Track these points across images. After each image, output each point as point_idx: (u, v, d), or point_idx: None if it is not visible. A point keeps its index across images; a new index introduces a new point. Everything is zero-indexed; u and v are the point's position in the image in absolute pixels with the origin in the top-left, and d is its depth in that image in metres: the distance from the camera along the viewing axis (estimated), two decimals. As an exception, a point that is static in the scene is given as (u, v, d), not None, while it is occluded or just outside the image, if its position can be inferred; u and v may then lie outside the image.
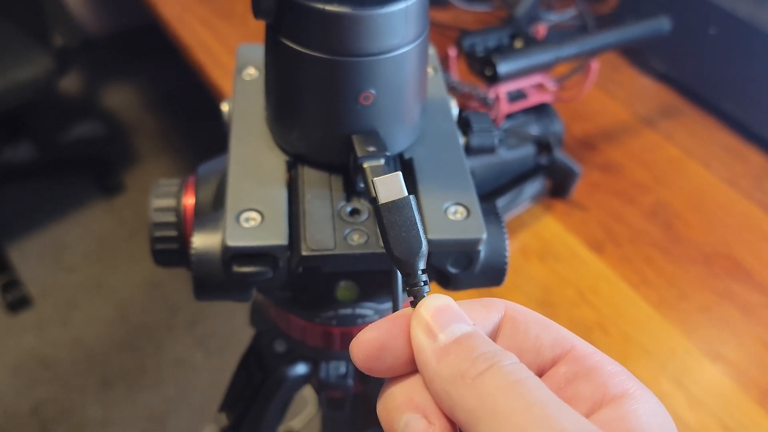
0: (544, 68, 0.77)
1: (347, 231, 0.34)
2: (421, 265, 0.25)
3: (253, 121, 0.40)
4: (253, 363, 0.52)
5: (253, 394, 0.50)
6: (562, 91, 0.84)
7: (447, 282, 0.38)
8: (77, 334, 1.57)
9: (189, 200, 0.42)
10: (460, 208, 0.36)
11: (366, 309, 0.43)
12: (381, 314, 0.44)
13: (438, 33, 1.04)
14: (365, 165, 0.34)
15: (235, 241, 0.33)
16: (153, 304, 1.65)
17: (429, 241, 0.34)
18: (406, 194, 0.27)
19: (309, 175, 0.37)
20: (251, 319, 0.55)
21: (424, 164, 0.37)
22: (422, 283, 0.25)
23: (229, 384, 0.53)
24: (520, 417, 0.19)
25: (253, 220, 0.35)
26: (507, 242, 0.37)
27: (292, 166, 0.38)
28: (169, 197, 0.42)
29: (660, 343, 0.69)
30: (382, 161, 0.34)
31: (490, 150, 0.40)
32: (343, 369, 0.50)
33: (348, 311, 0.42)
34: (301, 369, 0.50)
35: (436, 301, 0.24)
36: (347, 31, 0.32)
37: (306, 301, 0.42)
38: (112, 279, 1.68)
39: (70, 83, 2.11)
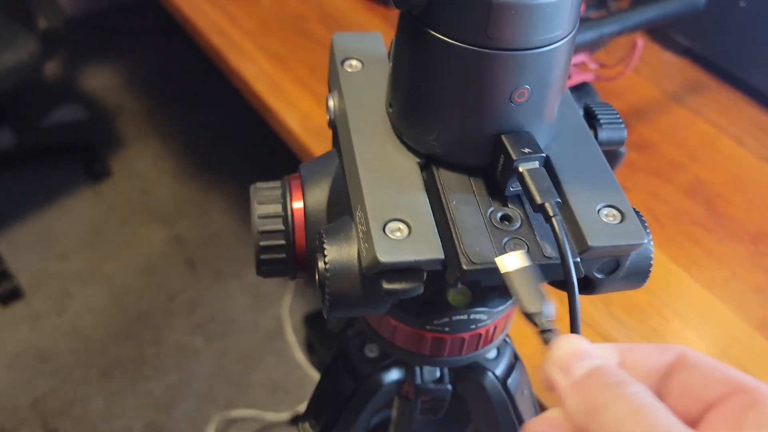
0: (588, 47, 0.75)
1: (505, 240, 0.32)
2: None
3: (371, 119, 0.37)
4: (341, 369, 0.49)
5: (343, 401, 0.48)
6: (602, 69, 0.82)
7: (589, 287, 0.36)
8: (73, 324, 1.53)
9: (296, 204, 0.39)
10: (613, 211, 0.34)
11: (480, 314, 0.41)
12: (493, 318, 0.42)
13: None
14: (522, 168, 0.31)
15: (389, 256, 0.31)
16: (149, 291, 1.61)
17: (590, 249, 0.32)
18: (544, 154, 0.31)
19: (448, 178, 0.34)
20: (328, 324, 0.52)
21: (564, 162, 0.35)
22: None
23: (314, 392, 0.51)
24: None
25: (400, 231, 0.32)
26: (651, 243, 0.35)
27: (423, 168, 0.35)
28: (275, 203, 0.39)
29: (718, 326, 0.68)
30: (537, 164, 0.32)
31: (619, 143, 0.38)
32: (437, 373, 0.48)
33: (462, 317, 0.41)
34: (395, 374, 0.48)
35: (567, 341, 0.26)
36: (514, 23, 0.29)
37: (417, 308, 0.40)
38: (106, 266, 1.63)
39: (49, 66, 2.02)
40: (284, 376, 1.48)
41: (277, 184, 0.40)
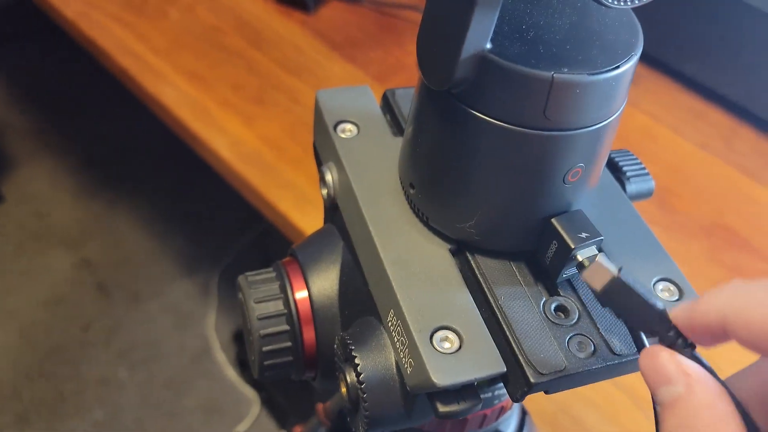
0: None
1: (567, 338, 0.28)
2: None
3: (386, 199, 0.32)
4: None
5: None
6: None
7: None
8: (-22, 369, 1.40)
9: (299, 294, 0.34)
10: (670, 285, 0.31)
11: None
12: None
13: None
14: (582, 258, 0.28)
15: (445, 377, 0.26)
16: (59, 323, 1.49)
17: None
18: (615, 272, 0.26)
19: (488, 267, 0.30)
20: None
21: (607, 232, 0.31)
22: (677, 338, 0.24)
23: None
24: None
25: (449, 342, 0.28)
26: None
27: (455, 254, 0.31)
28: (275, 298, 0.34)
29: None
30: (595, 249, 0.28)
31: (648, 196, 0.35)
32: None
33: (487, 395, 0.37)
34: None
35: (652, 354, 0.23)
36: (576, 102, 0.25)
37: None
38: (7, 302, 1.50)
39: None
40: (218, 397, 1.41)
41: (270, 273, 0.35)
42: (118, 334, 1.48)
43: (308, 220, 0.70)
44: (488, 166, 0.27)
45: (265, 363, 0.34)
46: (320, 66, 0.87)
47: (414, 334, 0.28)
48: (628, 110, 0.89)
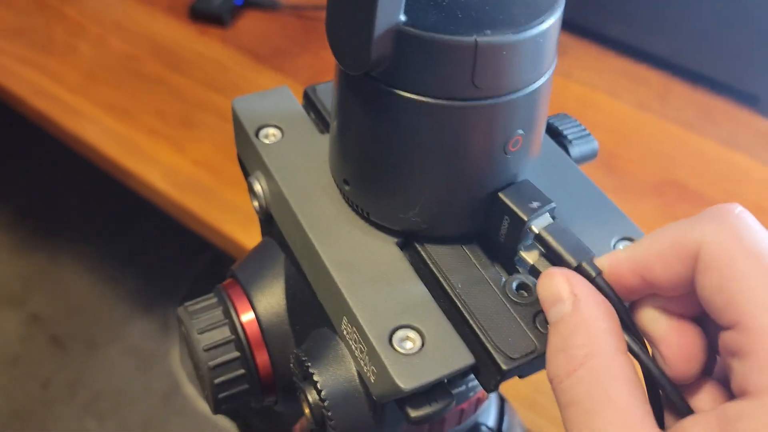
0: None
1: (533, 316, 0.26)
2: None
3: (320, 200, 0.30)
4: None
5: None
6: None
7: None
8: (-64, 447, 1.33)
9: (245, 317, 0.31)
10: (629, 244, 0.29)
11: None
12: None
13: None
14: (538, 229, 0.26)
15: (411, 380, 0.24)
16: (17, 384, 1.43)
17: None
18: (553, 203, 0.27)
19: (440, 255, 0.28)
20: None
21: (556, 199, 0.30)
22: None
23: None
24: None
25: (411, 341, 0.26)
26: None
27: (403, 247, 0.29)
28: (219, 325, 0.31)
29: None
30: (549, 218, 0.26)
31: (592, 157, 0.34)
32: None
33: (461, 388, 0.35)
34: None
35: (545, 280, 0.24)
36: (505, 64, 0.23)
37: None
38: (-42, 370, 1.43)
39: None
40: (195, 430, 1.37)
41: (211, 299, 0.32)
42: (80, 386, 1.43)
43: (256, 238, 0.67)
44: (423, 147, 0.25)
45: (220, 396, 0.31)
46: (246, 80, 0.84)
47: (372, 338, 0.25)
48: (562, 82, 0.88)
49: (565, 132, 0.34)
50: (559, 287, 0.23)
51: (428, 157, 0.26)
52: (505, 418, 0.45)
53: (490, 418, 0.44)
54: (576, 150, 0.33)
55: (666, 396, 0.23)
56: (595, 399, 0.21)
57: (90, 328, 1.50)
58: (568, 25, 0.96)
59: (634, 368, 0.22)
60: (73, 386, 1.42)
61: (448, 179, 0.26)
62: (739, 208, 0.22)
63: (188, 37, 0.90)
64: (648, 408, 0.21)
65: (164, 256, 1.61)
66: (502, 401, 0.46)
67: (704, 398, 0.23)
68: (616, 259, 0.24)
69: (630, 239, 0.29)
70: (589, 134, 0.34)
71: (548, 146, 0.33)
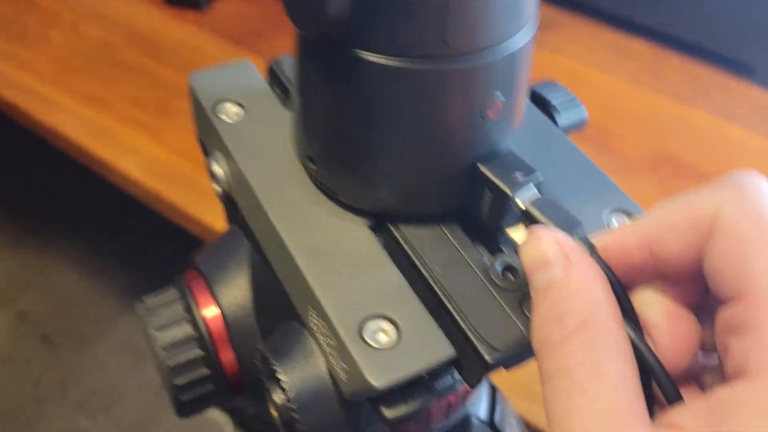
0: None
1: (520, 301, 0.24)
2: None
3: (285, 181, 0.27)
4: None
5: None
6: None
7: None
8: (-73, 450, 1.31)
9: (208, 312, 0.29)
10: (623, 216, 0.27)
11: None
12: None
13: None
14: (523, 203, 0.23)
15: (384, 377, 0.22)
16: (8, 384, 1.40)
17: None
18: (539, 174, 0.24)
19: (417, 237, 0.25)
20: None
21: (544, 170, 0.27)
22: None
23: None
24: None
25: (385, 333, 0.23)
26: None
27: (376, 230, 0.26)
28: (180, 322, 0.29)
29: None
30: (535, 190, 0.24)
31: (582, 125, 0.31)
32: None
33: (447, 381, 0.32)
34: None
35: (531, 242, 0.21)
36: (479, 18, 0.21)
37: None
38: (-53, 372, 1.41)
39: None
40: (189, 427, 1.35)
41: (172, 293, 0.30)
42: (72, 384, 1.40)
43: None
44: (391, 115, 0.23)
45: (183, 398, 0.29)
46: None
47: (340, 331, 0.23)
48: (552, 57, 0.86)
49: (552, 100, 0.31)
50: (548, 249, 0.21)
51: (397, 127, 0.23)
52: (497, 408, 0.43)
53: (481, 408, 0.42)
54: (564, 118, 0.31)
55: (657, 382, 0.21)
56: (587, 370, 0.19)
57: (80, 325, 1.47)
58: (558, 0, 0.93)
59: (630, 344, 0.20)
60: (64, 384, 1.40)
61: (421, 151, 0.24)
62: (756, 175, 0.20)
63: (164, 23, 0.87)
64: (639, 389, 0.19)
65: (154, 251, 1.58)
66: (493, 390, 0.43)
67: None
68: (623, 234, 0.22)
69: (623, 211, 0.27)
70: (577, 102, 0.32)
71: (534, 115, 0.31)
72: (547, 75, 0.91)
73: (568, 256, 0.20)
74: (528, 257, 0.21)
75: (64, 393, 1.39)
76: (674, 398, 0.20)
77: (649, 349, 0.21)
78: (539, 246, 0.21)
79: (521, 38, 0.23)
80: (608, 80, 0.83)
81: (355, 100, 0.23)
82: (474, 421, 0.41)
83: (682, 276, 0.21)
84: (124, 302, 1.51)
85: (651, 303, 0.22)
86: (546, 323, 0.20)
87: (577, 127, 0.31)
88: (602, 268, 0.21)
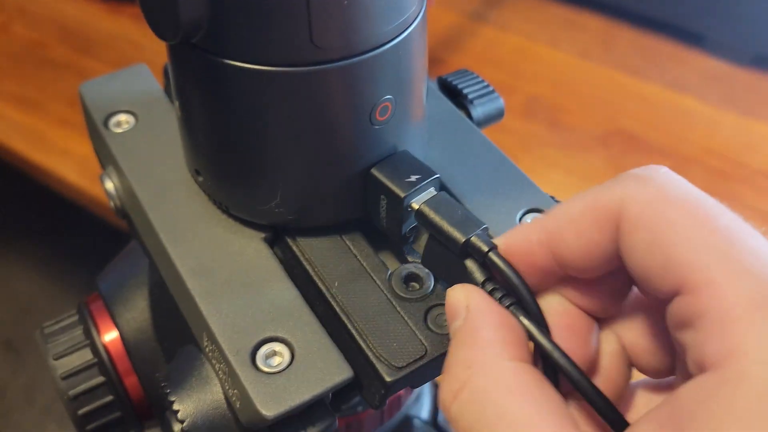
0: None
1: (424, 313, 0.22)
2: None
3: (176, 195, 0.25)
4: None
5: None
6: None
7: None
8: None
9: (108, 336, 0.27)
10: (540, 215, 0.25)
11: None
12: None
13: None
14: (418, 205, 0.22)
15: (276, 406, 0.20)
16: (-28, 395, 1.37)
17: None
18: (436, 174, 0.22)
19: (314, 249, 0.24)
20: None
21: (452, 170, 0.26)
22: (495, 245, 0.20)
23: None
24: None
25: (278, 356, 0.22)
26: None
27: (272, 243, 0.25)
28: (78, 347, 0.27)
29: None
30: (432, 190, 0.22)
31: (499, 116, 0.30)
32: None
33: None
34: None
35: (450, 294, 0.20)
36: (347, 14, 0.19)
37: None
38: None
39: None
40: (161, 428, 1.33)
41: (72, 317, 0.28)
42: (37, 391, 1.38)
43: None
44: (269, 124, 0.21)
45: (88, 428, 0.27)
46: (163, 57, 0.78)
47: (230, 357, 0.21)
48: (498, 35, 0.84)
49: (464, 91, 0.29)
50: (455, 301, 0.20)
51: (278, 136, 0.21)
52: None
53: (422, 409, 0.40)
54: (479, 111, 0.29)
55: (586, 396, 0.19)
56: (487, 421, 0.17)
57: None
58: (502, -26, 0.91)
59: (540, 375, 0.18)
60: (30, 391, 1.37)
61: (307, 160, 0.22)
62: (661, 167, 0.19)
63: (98, 17, 0.84)
64: (563, 410, 0.17)
65: (111, 248, 1.55)
66: (437, 388, 0.42)
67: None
68: (524, 233, 0.20)
69: (539, 211, 0.26)
70: (492, 91, 0.30)
71: (443, 108, 0.29)
72: (495, 52, 0.89)
73: (468, 305, 0.19)
74: (446, 309, 0.20)
75: (30, 400, 1.36)
76: (616, 422, 0.18)
77: (571, 364, 0.19)
78: (449, 297, 0.20)
79: (403, 32, 0.21)
80: (558, 56, 0.81)
81: (229, 109, 0.21)
82: (416, 422, 0.40)
83: (593, 276, 0.19)
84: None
85: (548, 307, 0.20)
86: (441, 379, 0.19)
87: (493, 119, 0.30)
88: (500, 267, 0.20)
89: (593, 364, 0.20)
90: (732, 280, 0.16)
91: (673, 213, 0.17)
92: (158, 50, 0.81)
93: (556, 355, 0.19)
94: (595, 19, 0.85)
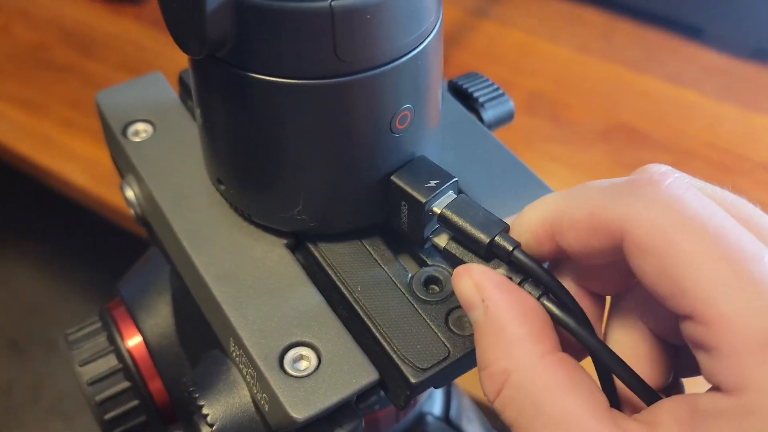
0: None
1: (445, 315, 0.23)
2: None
3: (197, 203, 0.26)
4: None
5: None
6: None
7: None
8: None
9: (132, 342, 0.28)
10: None
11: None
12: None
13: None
14: (439, 209, 0.22)
15: (306, 409, 0.21)
16: (-23, 394, 1.38)
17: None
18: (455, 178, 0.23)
19: (336, 254, 0.24)
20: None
21: (467, 173, 0.26)
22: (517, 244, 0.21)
23: None
24: None
25: (306, 360, 0.22)
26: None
27: (294, 249, 0.25)
28: (104, 354, 0.27)
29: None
30: (452, 194, 0.23)
31: (509, 119, 0.30)
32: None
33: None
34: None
35: (457, 282, 0.21)
36: (372, 31, 0.20)
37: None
38: None
39: None
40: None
41: (95, 323, 0.28)
42: (43, 389, 1.38)
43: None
44: (293, 134, 0.22)
45: (115, 432, 0.27)
46: (166, 58, 0.79)
47: (259, 362, 0.22)
48: (500, 30, 0.84)
49: (475, 94, 0.30)
50: (467, 292, 0.20)
51: (301, 146, 0.22)
52: (453, 404, 0.42)
53: (435, 405, 0.41)
54: (489, 113, 0.30)
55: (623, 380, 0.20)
56: (530, 418, 0.18)
57: (48, 329, 1.45)
58: (501, -30, 0.91)
59: (572, 363, 0.19)
60: (36, 389, 1.38)
61: (329, 168, 0.23)
62: (668, 180, 0.18)
63: (100, 18, 0.84)
64: (602, 400, 0.18)
65: (115, 247, 1.56)
66: (449, 385, 0.43)
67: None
68: (528, 223, 0.21)
69: None
70: (503, 94, 0.30)
71: (455, 112, 0.30)
72: (497, 48, 0.89)
73: (484, 299, 0.20)
74: (459, 299, 0.21)
75: (36, 398, 1.37)
76: (650, 398, 0.19)
77: (605, 347, 0.20)
78: (459, 288, 0.21)
79: (423, 42, 0.22)
80: (559, 51, 0.82)
81: (254, 121, 0.22)
82: (429, 419, 0.40)
83: (598, 264, 0.20)
84: (88, 302, 1.48)
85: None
86: (481, 376, 0.20)
87: (503, 121, 0.30)
88: (527, 266, 0.20)
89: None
90: (742, 317, 0.16)
91: (679, 239, 0.17)
92: (160, 51, 0.81)
93: (598, 349, 0.19)
94: (596, 14, 0.85)
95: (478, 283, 0.20)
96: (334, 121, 0.21)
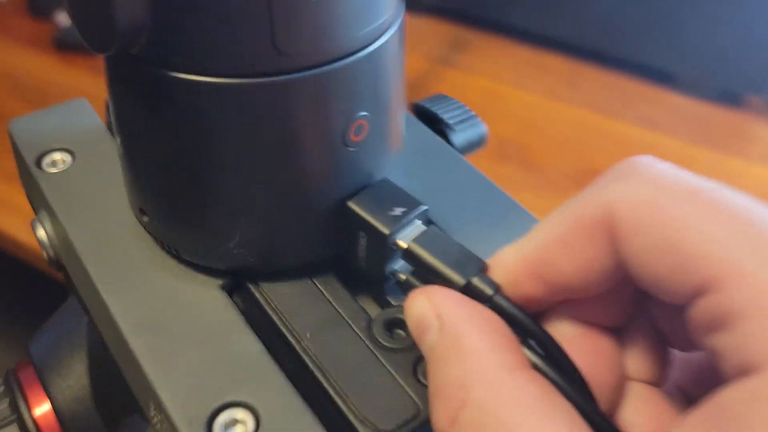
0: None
1: (413, 366, 0.19)
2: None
3: (119, 241, 0.22)
4: None
5: None
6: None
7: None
8: None
9: (39, 410, 0.23)
10: None
11: None
12: None
13: None
14: (406, 243, 0.19)
15: None
16: None
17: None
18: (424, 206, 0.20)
19: (282, 295, 0.21)
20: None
21: (437, 202, 0.23)
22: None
23: None
24: None
25: (241, 424, 0.18)
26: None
27: (231, 290, 0.21)
28: (6, 424, 0.23)
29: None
30: (421, 225, 0.19)
31: (481, 143, 0.27)
32: None
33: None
34: None
35: (411, 303, 0.18)
36: (315, 14, 0.16)
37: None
38: None
39: None
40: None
41: (-1, 388, 0.24)
42: None
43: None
44: (225, 148, 0.18)
45: None
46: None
47: (182, 429, 0.18)
48: (465, 77, 0.83)
49: (443, 116, 0.27)
50: (421, 311, 0.17)
51: (235, 161, 0.18)
52: None
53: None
54: (460, 137, 0.27)
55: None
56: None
57: None
58: (466, 17, 0.90)
59: (546, 384, 0.16)
60: None
61: (271, 191, 0.19)
62: (647, 159, 0.17)
63: (53, 70, 0.81)
64: (576, 421, 0.15)
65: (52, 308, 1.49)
66: None
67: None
68: (505, 267, 0.18)
69: None
70: (474, 116, 0.27)
71: (422, 135, 0.26)
72: (463, 96, 0.87)
73: (439, 314, 0.16)
74: (409, 326, 0.18)
75: None
76: None
77: (571, 387, 0.16)
78: (411, 308, 0.17)
79: (380, 37, 0.18)
80: (525, 96, 0.80)
81: (177, 131, 0.18)
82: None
83: (597, 293, 0.17)
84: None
85: (559, 329, 0.18)
86: (433, 403, 0.16)
87: (476, 145, 0.27)
88: (509, 311, 0.17)
89: (622, 385, 0.17)
90: (764, 269, 0.14)
91: (676, 207, 0.15)
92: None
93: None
94: (561, 60, 0.84)
95: (432, 299, 0.17)
96: (275, 132, 0.18)
